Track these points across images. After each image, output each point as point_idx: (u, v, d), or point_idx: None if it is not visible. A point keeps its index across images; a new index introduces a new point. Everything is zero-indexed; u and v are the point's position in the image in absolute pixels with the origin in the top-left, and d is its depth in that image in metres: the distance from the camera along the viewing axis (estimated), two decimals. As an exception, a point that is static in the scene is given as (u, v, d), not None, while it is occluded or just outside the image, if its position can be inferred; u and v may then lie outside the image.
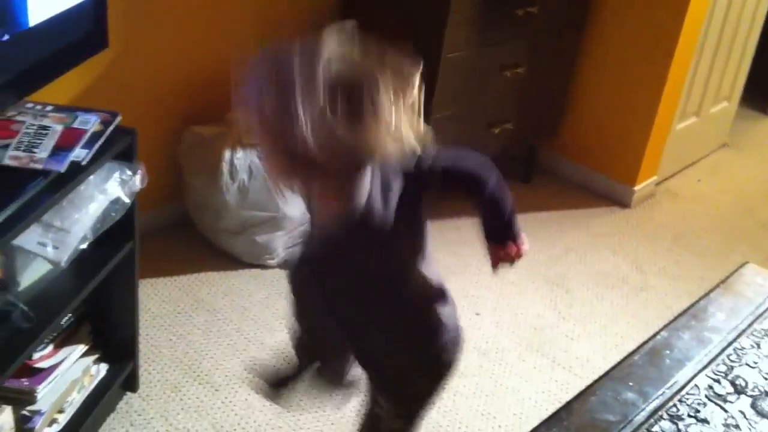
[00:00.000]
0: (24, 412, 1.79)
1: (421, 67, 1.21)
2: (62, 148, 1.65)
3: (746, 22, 3.57)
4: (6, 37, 1.54)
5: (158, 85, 2.61)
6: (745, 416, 1.44)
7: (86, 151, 1.67)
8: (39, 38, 1.65)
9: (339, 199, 1.26)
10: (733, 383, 1.52)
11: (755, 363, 1.57)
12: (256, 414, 2.16)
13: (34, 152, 1.62)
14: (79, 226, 1.71)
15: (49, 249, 1.67)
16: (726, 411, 1.45)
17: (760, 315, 1.70)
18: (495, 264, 1.40)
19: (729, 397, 1.48)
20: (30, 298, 1.67)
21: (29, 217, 1.52)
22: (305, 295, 1.50)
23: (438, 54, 2.74)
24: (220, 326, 2.45)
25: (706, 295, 1.77)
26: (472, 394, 2.31)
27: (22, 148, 1.62)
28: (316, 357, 1.68)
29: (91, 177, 1.72)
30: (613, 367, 1.52)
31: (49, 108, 1.76)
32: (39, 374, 1.80)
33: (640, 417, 1.41)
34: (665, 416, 1.42)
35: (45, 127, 1.69)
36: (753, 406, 1.47)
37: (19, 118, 1.70)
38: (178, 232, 2.79)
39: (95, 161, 1.69)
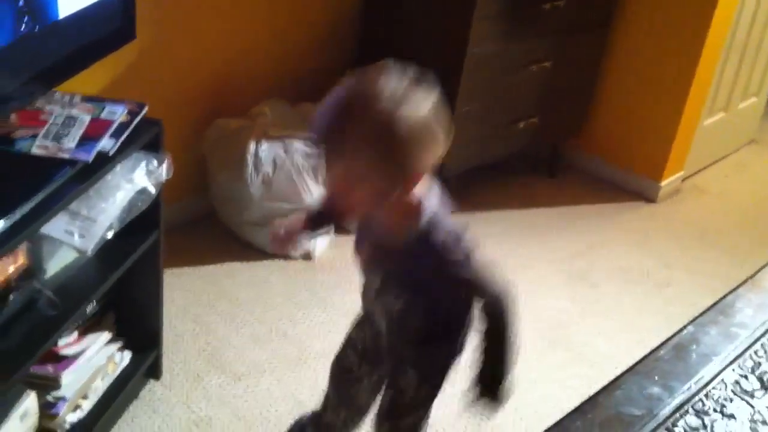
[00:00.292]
0: (48, 398, 1.80)
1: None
2: (90, 138, 1.66)
3: (776, 17, 3.52)
4: (36, 29, 1.55)
5: (184, 78, 2.62)
6: (771, 412, 1.43)
7: (113, 141, 1.68)
8: (68, 30, 1.66)
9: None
10: (760, 379, 1.50)
11: (783, 359, 1.56)
12: (278, 403, 2.17)
13: (62, 142, 1.63)
14: (106, 216, 1.72)
15: (76, 237, 1.68)
16: (752, 407, 1.44)
17: (788, 311, 1.69)
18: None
19: (756, 393, 1.47)
20: (56, 286, 1.68)
21: (56, 206, 1.53)
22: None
23: (463, 48, 2.73)
24: (243, 316, 2.46)
25: (734, 290, 1.75)
26: (495, 388, 2.30)
27: (50, 138, 1.64)
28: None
29: (118, 167, 1.73)
30: (639, 362, 1.51)
31: (77, 98, 1.77)
32: (64, 361, 1.82)
33: (666, 411, 1.40)
34: (691, 411, 1.41)
35: (73, 117, 1.70)
36: (780, 402, 1.45)
37: (47, 108, 1.72)
38: (202, 223, 2.80)
39: (122, 151, 1.70)
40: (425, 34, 2.87)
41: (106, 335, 1.96)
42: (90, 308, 1.89)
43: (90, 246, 1.69)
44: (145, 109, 1.80)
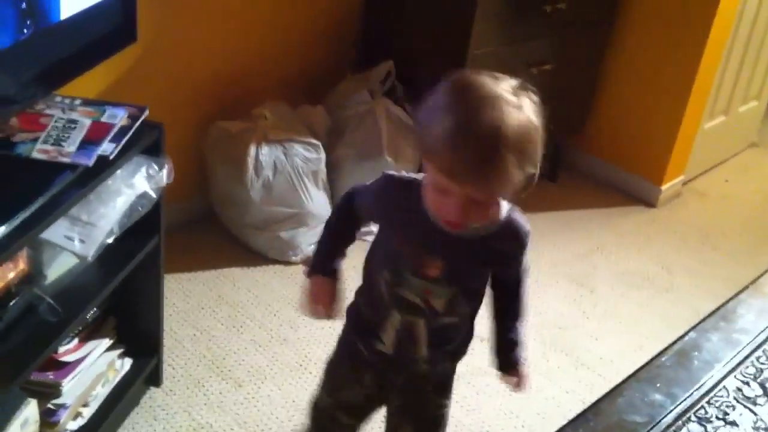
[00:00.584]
0: (49, 406, 1.79)
1: None
2: (90, 141, 1.65)
3: (777, 21, 3.52)
4: (37, 30, 1.54)
5: (185, 80, 2.62)
6: (775, 420, 1.42)
7: (114, 145, 1.68)
8: (69, 32, 1.65)
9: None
10: (762, 386, 1.50)
11: (786, 366, 1.55)
12: (279, 410, 2.16)
13: (63, 146, 1.63)
14: (106, 221, 1.72)
15: (76, 243, 1.67)
16: (755, 414, 1.43)
17: (791, 317, 1.68)
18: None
19: (758, 400, 1.46)
20: (56, 292, 1.67)
21: (57, 211, 1.53)
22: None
23: (465, 50, 2.73)
24: (244, 322, 2.46)
25: (735, 296, 1.74)
26: (496, 393, 2.30)
27: (50, 142, 1.63)
28: None
29: (119, 171, 1.73)
30: (641, 368, 1.51)
31: (77, 102, 1.76)
32: (64, 368, 1.81)
33: (668, 419, 1.39)
34: (693, 418, 1.40)
35: (73, 121, 1.69)
36: (783, 409, 1.45)
37: (47, 111, 1.71)
38: (203, 227, 2.79)
39: (123, 155, 1.69)
40: (426, 36, 2.87)
41: (106, 341, 1.95)
42: (90, 314, 1.88)
43: (90, 251, 1.68)
44: (146, 113, 1.79)
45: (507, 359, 1.50)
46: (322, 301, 1.53)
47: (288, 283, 2.64)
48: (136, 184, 1.77)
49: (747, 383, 1.50)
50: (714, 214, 3.43)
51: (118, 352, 2.00)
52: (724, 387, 1.48)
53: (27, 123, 1.67)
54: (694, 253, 3.12)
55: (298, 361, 2.33)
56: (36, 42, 1.56)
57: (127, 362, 2.04)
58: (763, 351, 1.58)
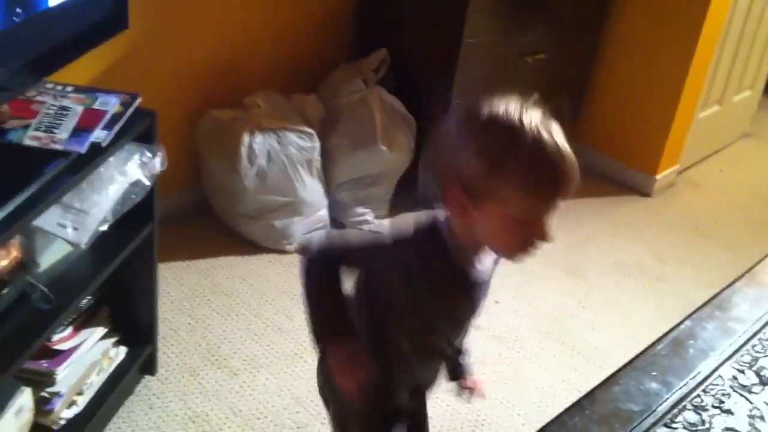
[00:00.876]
0: (43, 394, 1.79)
1: None
2: (82, 129, 1.64)
3: (772, 10, 3.52)
4: (26, 17, 1.53)
5: (178, 68, 2.60)
6: (770, 407, 1.42)
7: (106, 132, 1.66)
8: (59, 18, 1.64)
9: None
10: (758, 374, 1.50)
11: (780, 354, 1.55)
12: (274, 399, 2.16)
13: (55, 133, 1.61)
14: (99, 208, 1.71)
15: (69, 230, 1.66)
16: (751, 402, 1.43)
17: (786, 306, 1.68)
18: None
19: (754, 388, 1.46)
20: (49, 280, 1.66)
21: (49, 198, 1.51)
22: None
23: (459, 39, 2.72)
24: (238, 311, 2.45)
25: (731, 285, 1.74)
26: (491, 382, 2.30)
27: (42, 129, 1.62)
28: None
29: (111, 158, 1.72)
30: (637, 357, 1.50)
31: (69, 89, 1.75)
32: (58, 356, 1.80)
33: (664, 407, 1.39)
34: (689, 406, 1.40)
35: (65, 108, 1.68)
36: (778, 397, 1.45)
37: (39, 98, 1.70)
38: (197, 216, 2.78)
39: (115, 143, 1.68)
40: (421, 25, 2.86)
41: (100, 330, 1.94)
42: (84, 302, 1.87)
43: (83, 239, 1.67)
44: (139, 100, 1.78)
45: (456, 368, 1.51)
46: (364, 368, 1.26)
47: (282, 271, 2.63)
48: (129, 171, 1.76)
49: (742, 371, 1.49)
50: (708, 203, 3.43)
51: (113, 340, 2.00)
52: (720, 375, 1.48)
53: (18, 110, 1.65)
54: (688, 243, 3.12)
55: (293, 350, 2.33)
56: (27, 29, 1.54)
57: (122, 351, 2.04)
58: (759, 339, 1.58)
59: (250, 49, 2.79)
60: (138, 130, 1.76)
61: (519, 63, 2.95)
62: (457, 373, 1.52)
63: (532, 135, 1.17)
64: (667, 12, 3.13)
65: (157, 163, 1.82)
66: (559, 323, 2.60)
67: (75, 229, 1.67)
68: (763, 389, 1.45)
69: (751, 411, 1.40)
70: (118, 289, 1.98)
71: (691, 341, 1.55)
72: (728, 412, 1.39)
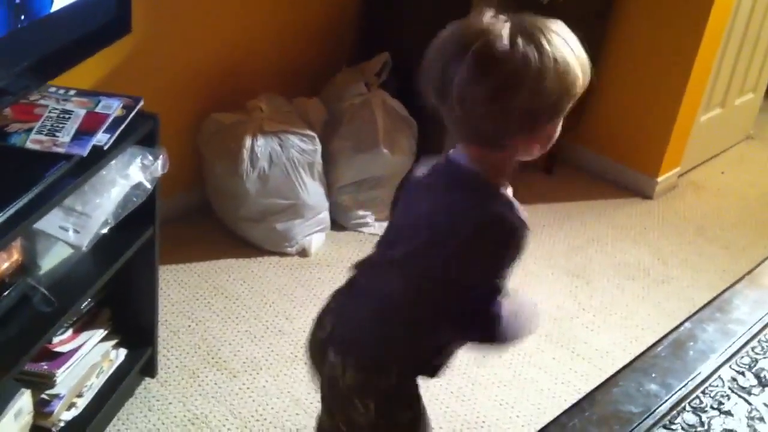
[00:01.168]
0: (43, 396, 1.79)
1: None
2: (85, 132, 1.65)
3: (773, 13, 3.52)
4: (29, 21, 1.54)
5: (180, 72, 2.61)
6: (769, 409, 1.42)
7: (108, 135, 1.67)
8: (62, 22, 1.64)
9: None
10: (757, 376, 1.50)
11: (780, 356, 1.55)
12: (274, 401, 2.16)
13: (57, 136, 1.62)
14: (101, 211, 1.71)
15: (71, 233, 1.67)
16: (750, 404, 1.43)
17: (786, 308, 1.68)
18: None
19: (753, 390, 1.46)
20: (51, 282, 1.67)
21: (51, 201, 1.52)
22: None
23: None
24: (239, 313, 2.45)
25: (731, 287, 1.74)
26: (491, 384, 2.30)
27: (44, 132, 1.62)
28: None
29: (113, 162, 1.72)
30: (636, 358, 1.51)
31: (72, 92, 1.76)
32: (58, 358, 1.81)
33: (663, 408, 1.39)
34: (688, 408, 1.40)
35: (68, 111, 1.69)
36: (778, 399, 1.45)
37: (42, 102, 1.70)
38: (198, 219, 2.79)
39: (117, 146, 1.68)
40: (423, 28, 2.84)
41: (101, 332, 1.95)
42: (85, 305, 1.88)
43: (85, 242, 1.68)
44: (141, 103, 1.79)
45: None
46: None
47: (283, 274, 2.64)
48: (131, 174, 1.77)
49: (742, 373, 1.50)
50: (710, 206, 3.43)
51: (113, 342, 2.00)
52: (719, 377, 1.48)
53: (21, 113, 1.66)
54: (689, 245, 3.12)
55: (293, 352, 2.33)
56: (30, 33, 1.55)
57: (122, 353, 2.04)
58: (758, 341, 1.58)
59: (252, 52, 2.79)
60: (140, 133, 1.77)
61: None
62: None
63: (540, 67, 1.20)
64: (670, 14, 3.13)
65: (159, 166, 1.82)
66: (560, 325, 2.60)
67: (76, 231, 1.67)
68: (762, 391, 1.46)
69: (750, 413, 1.40)
70: (119, 291, 1.99)
71: (691, 343, 1.56)
72: (727, 413, 1.40)
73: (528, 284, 2.74)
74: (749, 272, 1.81)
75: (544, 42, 1.22)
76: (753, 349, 1.56)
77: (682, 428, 1.35)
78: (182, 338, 2.32)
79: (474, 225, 1.25)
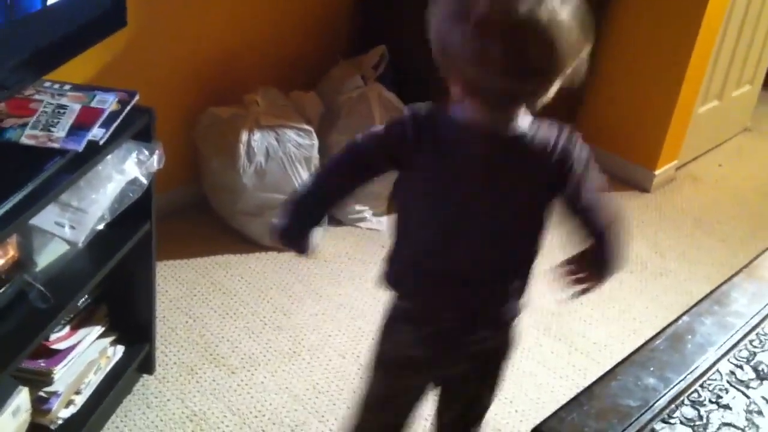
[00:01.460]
0: (41, 393, 1.79)
1: None
2: (80, 127, 1.64)
3: (770, 5, 3.51)
4: (23, 15, 1.53)
5: (176, 65, 2.60)
6: (767, 402, 1.42)
7: (104, 130, 1.66)
8: (57, 16, 1.63)
9: None
10: (755, 369, 1.49)
11: (778, 349, 1.55)
12: (272, 397, 2.16)
13: (52, 131, 1.61)
14: (97, 207, 1.70)
15: (67, 229, 1.66)
16: (748, 397, 1.43)
17: (785, 301, 1.67)
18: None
19: (751, 383, 1.46)
20: (47, 279, 1.66)
21: (46, 197, 1.51)
22: None
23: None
24: (237, 309, 2.45)
25: (729, 279, 1.74)
26: (490, 379, 2.30)
27: (39, 127, 1.61)
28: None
29: (109, 157, 1.71)
30: (635, 352, 1.50)
31: (66, 87, 1.75)
32: (56, 355, 1.80)
33: (662, 402, 1.39)
34: (687, 402, 1.40)
35: (63, 106, 1.68)
36: (776, 392, 1.44)
37: (36, 96, 1.69)
38: (195, 213, 2.78)
39: (113, 141, 1.68)
40: (420, 21, 2.84)
41: (98, 329, 1.94)
42: (82, 301, 1.87)
43: (81, 238, 1.67)
44: (137, 98, 1.78)
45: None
46: None
47: (281, 269, 2.63)
48: (127, 169, 1.76)
49: (740, 367, 1.49)
50: (707, 198, 3.43)
51: (110, 339, 1.99)
52: (718, 370, 1.48)
53: (16, 108, 1.65)
54: (687, 238, 3.12)
55: (291, 348, 2.33)
56: (24, 27, 1.54)
57: (120, 350, 2.03)
58: (757, 335, 1.58)
59: (248, 45, 2.78)
60: (136, 127, 1.76)
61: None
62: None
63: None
64: (667, 6, 3.12)
65: (155, 161, 1.82)
66: (558, 319, 2.60)
67: (72, 227, 1.67)
68: (760, 384, 1.45)
69: (748, 406, 1.40)
70: (116, 287, 1.98)
71: (689, 336, 1.55)
72: (726, 407, 1.39)
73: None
74: (747, 265, 1.80)
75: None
76: (751, 342, 1.56)
77: (681, 422, 1.35)
78: (180, 334, 2.32)
79: None
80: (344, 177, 1.43)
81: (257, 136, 2.58)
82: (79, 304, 1.86)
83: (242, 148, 2.56)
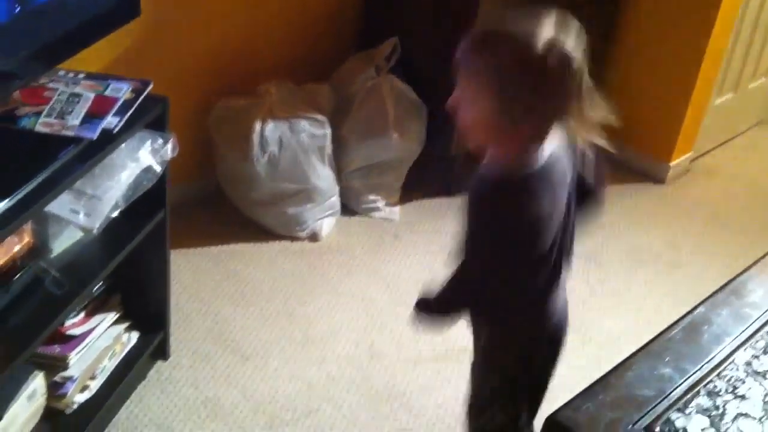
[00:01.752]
0: (56, 379, 1.80)
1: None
2: (94, 115, 1.64)
3: (788, -4, 3.47)
4: (38, 4, 1.53)
5: (190, 55, 2.60)
6: (784, 393, 1.41)
7: (118, 118, 1.66)
8: (70, 6, 1.64)
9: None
10: (772, 360, 1.49)
11: (795, 340, 1.54)
12: (285, 383, 2.16)
13: (66, 119, 1.61)
14: (111, 194, 1.71)
15: (81, 216, 1.67)
16: (765, 387, 1.42)
17: (801, 292, 1.66)
18: None
19: (768, 374, 1.45)
20: (62, 265, 1.67)
21: (61, 184, 1.52)
22: None
23: (469, 26, 2.69)
24: (250, 296, 2.45)
25: (746, 270, 1.73)
26: (502, 369, 2.29)
27: (54, 115, 1.62)
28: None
29: (123, 145, 1.72)
30: (650, 342, 1.50)
31: (81, 76, 1.75)
32: (71, 341, 1.82)
33: (677, 392, 1.38)
34: (703, 392, 1.39)
35: (77, 95, 1.68)
36: (793, 383, 1.44)
37: (51, 85, 1.70)
38: (210, 203, 2.79)
39: (127, 129, 1.68)
40: (431, 12, 2.84)
41: (112, 315, 1.95)
42: (96, 288, 1.88)
43: (95, 225, 1.67)
44: (150, 86, 1.78)
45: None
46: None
47: (294, 258, 2.64)
48: (141, 158, 1.76)
49: (757, 357, 1.48)
50: (722, 191, 3.41)
51: (125, 325, 2.00)
52: (734, 361, 1.47)
53: (30, 97, 1.66)
54: (702, 230, 3.10)
55: (304, 336, 2.33)
56: (39, 16, 1.55)
57: (134, 336, 2.04)
58: (773, 325, 1.57)
59: (262, 37, 2.78)
60: (150, 116, 1.76)
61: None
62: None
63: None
64: (682, -1, 3.10)
65: (169, 150, 1.82)
66: (572, 310, 2.57)
67: (87, 215, 1.67)
68: (777, 375, 1.45)
69: (765, 396, 1.39)
70: (130, 274, 1.99)
71: (706, 327, 1.55)
72: (742, 397, 1.39)
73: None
74: (764, 256, 1.79)
75: None
76: (768, 332, 1.55)
77: (697, 412, 1.35)
78: (194, 322, 2.33)
79: None
80: None
81: (270, 126, 2.58)
82: (93, 291, 1.87)
83: (255, 138, 2.56)
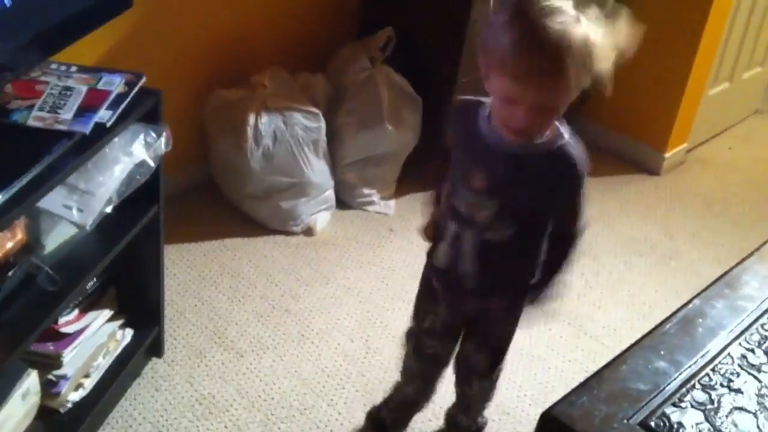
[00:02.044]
0: (50, 377, 1.79)
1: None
2: (87, 109, 1.63)
3: (783, -15, 3.47)
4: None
5: (183, 47, 2.58)
6: (779, 386, 1.41)
7: (111, 112, 1.65)
8: (62, -2, 1.63)
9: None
10: (767, 353, 1.48)
11: (790, 333, 1.54)
12: (281, 380, 2.15)
13: (59, 113, 1.60)
14: (104, 189, 1.70)
15: (74, 212, 1.65)
16: (760, 381, 1.42)
17: (797, 284, 1.66)
18: None
19: (763, 367, 1.45)
20: (55, 262, 1.66)
21: (54, 179, 1.50)
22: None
23: (466, 17, 2.69)
24: (245, 292, 2.45)
25: (740, 263, 1.72)
26: (498, 362, 2.29)
27: (46, 109, 1.61)
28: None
29: (116, 139, 1.70)
30: (645, 336, 1.49)
31: (73, 69, 1.74)
32: (65, 339, 1.80)
33: (672, 386, 1.38)
34: (697, 386, 1.39)
35: (69, 88, 1.67)
36: (788, 376, 1.43)
37: (43, 78, 1.68)
38: (204, 196, 2.78)
39: (120, 123, 1.66)
40: (427, 3, 2.83)
41: (107, 312, 1.94)
42: (90, 285, 1.87)
43: (89, 220, 1.66)
44: (143, 79, 1.77)
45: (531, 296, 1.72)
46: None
47: (289, 253, 2.63)
48: (135, 152, 1.75)
49: (752, 350, 1.48)
50: (718, 181, 3.41)
51: (119, 322, 1.99)
52: (729, 354, 1.47)
53: (22, 90, 1.64)
54: (697, 221, 3.10)
55: (299, 332, 2.32)
56: (30, 7, 1.53)
57: (128, 333, 2.03)
58: (768, 318, 1.57)
59: (256, 26, 2.76)
60: (143, 109, 1.75)
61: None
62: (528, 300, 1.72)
63: (538, 16, 1.36)
64: (677, -12, 3.09)
65: (163, 144, 1.80)
66: (567, 302, 2.58)
67: (80, 210, 1.66)
68: (772, 368, 1.44)
69: (760, 390, 1.39)
70: (124, 270, 1.98)
71: (700, 320, 1.54)
72: (737, 391, 1.39)
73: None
74: (758, 248, 1.79)
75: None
76: (763, 326, 1.55)
77: (692, 406, 1.34)
78: (189, 318, 2.32)
79: None
80: None
81: (265, 119, 2.57)
82: (87, 287, 1.86)
83: (250, 131, 2.55)
